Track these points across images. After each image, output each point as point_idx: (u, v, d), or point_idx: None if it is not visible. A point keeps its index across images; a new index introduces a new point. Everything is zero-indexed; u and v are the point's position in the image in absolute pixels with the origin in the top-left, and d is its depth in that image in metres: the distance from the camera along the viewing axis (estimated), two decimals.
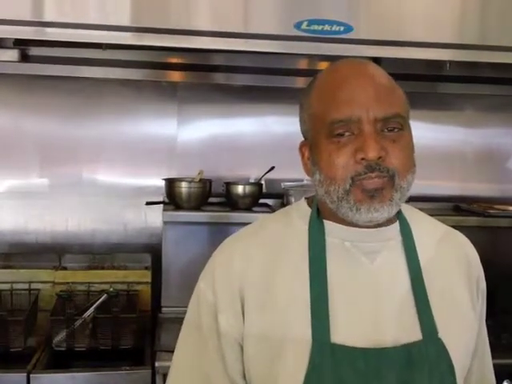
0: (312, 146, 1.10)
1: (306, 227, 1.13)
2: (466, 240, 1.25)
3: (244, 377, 1.11)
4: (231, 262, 1.12)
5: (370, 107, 1.03)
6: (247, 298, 1.09)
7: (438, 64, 2.38)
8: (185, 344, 1.17)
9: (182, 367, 1.16)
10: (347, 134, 1.04)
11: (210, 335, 1.11)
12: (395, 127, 1.05)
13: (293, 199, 2.58)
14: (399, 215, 1.15)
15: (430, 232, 1.21)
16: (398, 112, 1.05)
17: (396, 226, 1.15)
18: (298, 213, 1.17)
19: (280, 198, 2.72)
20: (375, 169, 1.02)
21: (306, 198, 1.20)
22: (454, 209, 2.80)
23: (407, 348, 1.06)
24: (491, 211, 2.65)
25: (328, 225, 1.12)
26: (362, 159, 1.02)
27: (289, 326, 1.06)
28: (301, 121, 1.15)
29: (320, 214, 1.14)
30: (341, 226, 1.11)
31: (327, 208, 1.10)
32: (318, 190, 1.09)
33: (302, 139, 1.16)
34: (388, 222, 1.11)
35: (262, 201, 2.69)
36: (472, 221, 2.53)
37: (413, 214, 1.20)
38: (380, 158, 1.02)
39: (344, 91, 1.05)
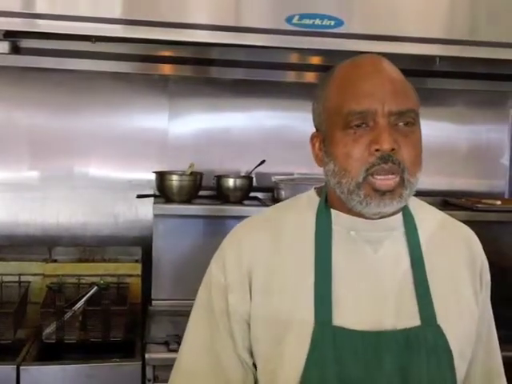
0: (326, 138, 1.14)
1: (314, 215, 1.17)
2: (469, 231, 1.28)
3: (251, 355, 1.16)
4: (240, 245, 1.17)
5: (386, 101, 1.08)
6: (254, 280, 1.14)
7: (428, 59, 2.39)
8: (196, 326, 1.21)
9: (195, 348, 1.20)
10: (363, 125, 1.08)
11: (222, 317, 1.16)
12: (408, 121, 1.10)
13: (283, 192, 2.59)
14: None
15: (432, 221, 1.24)
16: (412, 107, 1.11)
17: (399, 216, 1.18)
18: (307, 201, 1.22)
19: (270, 191, 2.73)
20: (388, 160, 1.06)
21: (315, 188, 1.24)
22: (442, 203, 2.81)
23: (405, 332, 1.10)
24: (479, 205, 2.67)
25: (335, 214, 1.16)
26: (377, 150, 1.06)
27: (293, 308, 1.11)
28: (315, 113, 1.18)
29: (328, 203, 1.18)
30: (347, 215, 1.15)
31: (336, 197, 1.14)
32: (330, 179, 1.13)
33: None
34: (392, 212, 1.15)
35: (252, 194, 2.70)
36: (460, 215, 2.52)
37: (415, 203, 1.23)
38: (393, 149, 1.07)
39: (365, 85, 1.09)
